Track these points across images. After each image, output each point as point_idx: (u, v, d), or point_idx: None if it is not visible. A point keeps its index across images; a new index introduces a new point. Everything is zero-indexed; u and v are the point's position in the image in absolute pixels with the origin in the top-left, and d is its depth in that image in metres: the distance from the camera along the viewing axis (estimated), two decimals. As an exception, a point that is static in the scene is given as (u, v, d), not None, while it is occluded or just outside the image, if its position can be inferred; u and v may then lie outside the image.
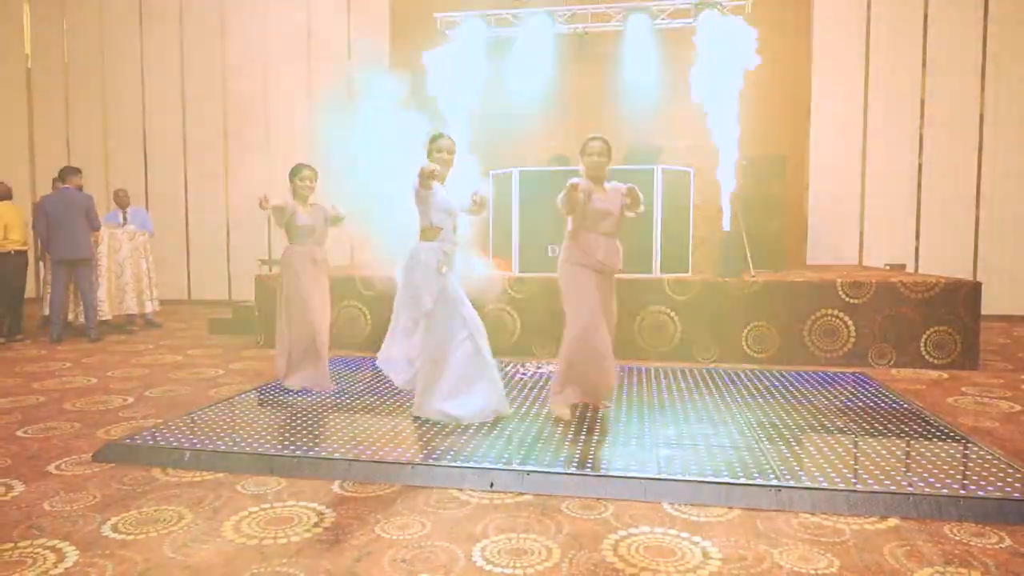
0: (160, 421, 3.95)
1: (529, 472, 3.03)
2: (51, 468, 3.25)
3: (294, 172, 4.64)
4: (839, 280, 5.68)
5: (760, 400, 4.39)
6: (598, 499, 2.87)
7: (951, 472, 3.03)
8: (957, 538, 2.51)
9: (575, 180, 3.76)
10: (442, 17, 7.55)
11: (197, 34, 10.06)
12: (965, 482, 2.91)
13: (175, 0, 10.11)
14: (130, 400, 4.58)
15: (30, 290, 8.09)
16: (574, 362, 3.89)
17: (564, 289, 3.96)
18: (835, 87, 8.67)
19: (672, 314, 5.85)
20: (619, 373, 4.00)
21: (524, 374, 5.22)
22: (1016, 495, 2.74)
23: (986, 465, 3.13)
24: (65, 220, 6.82)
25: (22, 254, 7.12)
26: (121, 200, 8.08)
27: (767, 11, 8.67)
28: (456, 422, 3.77)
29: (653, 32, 7.58)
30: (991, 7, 8.27)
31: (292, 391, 4.60)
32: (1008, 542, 2.48)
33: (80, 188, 7.14)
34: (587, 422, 3.85)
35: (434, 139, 3.93)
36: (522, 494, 2.92)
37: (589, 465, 3.13)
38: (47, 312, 7.29)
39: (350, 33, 9.68)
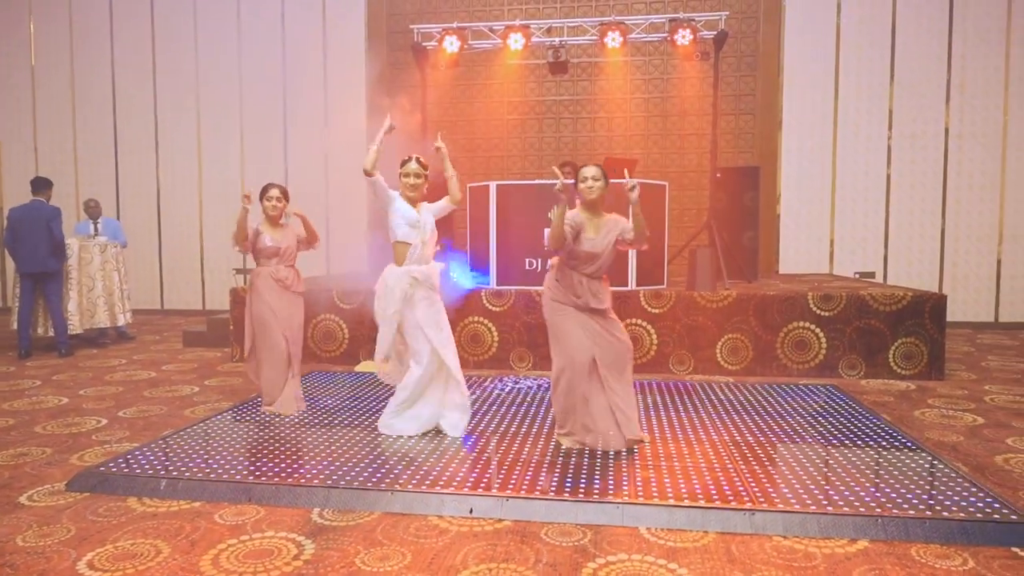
0: (135, 446, 3.91)
1: (508, 498, 3.06)
2: (23, 499, 3.20)
3: (262, 192, 4.57)
4: (810, 293, 5.79)
5: (734, 416, 4.47)
6: (576, 524, 2.91)
7: (918, 492, 3.13)
8: (923, 560, 2.59)
9: (566, 207, 3.56)
10: (419, 29, 7.55)
11: (169, 42, 9.93)
12: (931, 502, 3.01)
13: (146, 7, 9.96)
14: (103, 422, 4.52)
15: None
16: (560, 404, 3.81)
17: (548, 327, 3.86)
18: (806, 99, 8.85)
19: (648, 327, 5.92)
20: (631, 427, 3.75)
21: (502, 388, 5.25)
22: (979, 515, 2.84)
23: (951, 484, 3.23)
24: (29, 233, 6.67)
25: None
26: (92, 211, 7.93)
27: (739, 25, 8.83)
28: (399, 434, 4.03)
29: (628, 46, 7.67)
30: (955, 23, 8.50)
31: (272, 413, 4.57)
32: (971, 564, 2.56)
33: (48, 200, 6.98)
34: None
35: (402, 164, 4.03)
36: (501, 520, 2.95)
37: (567, 489, 3.17)
38: (15, 327, 7.13)
39: (325, 44, 9.63)
